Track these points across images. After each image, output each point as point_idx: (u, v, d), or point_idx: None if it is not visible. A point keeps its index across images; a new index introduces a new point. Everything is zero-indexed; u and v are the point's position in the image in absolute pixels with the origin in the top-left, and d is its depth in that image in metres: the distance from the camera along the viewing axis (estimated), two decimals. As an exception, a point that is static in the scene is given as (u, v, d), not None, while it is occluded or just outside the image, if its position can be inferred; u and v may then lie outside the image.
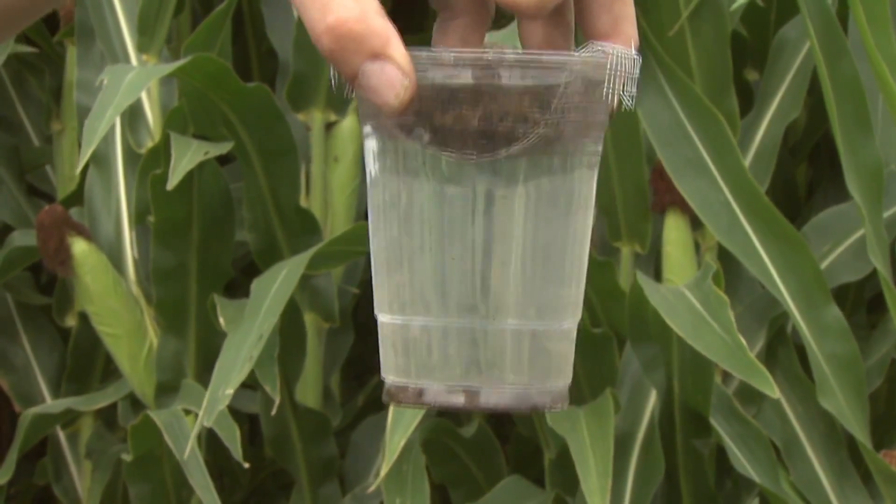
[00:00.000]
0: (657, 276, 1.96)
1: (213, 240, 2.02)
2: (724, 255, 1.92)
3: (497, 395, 0.56)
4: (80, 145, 2.15)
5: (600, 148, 0.57)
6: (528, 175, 0.56)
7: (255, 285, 1.83)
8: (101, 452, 2.15)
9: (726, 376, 1.92)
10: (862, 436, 1.77)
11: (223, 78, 1.88)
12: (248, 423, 2.20)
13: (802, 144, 2.18)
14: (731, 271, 1.93)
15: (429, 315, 0.56)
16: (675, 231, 1.93)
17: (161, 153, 1.94)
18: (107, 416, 2.18)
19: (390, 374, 0.57)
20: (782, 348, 1.93)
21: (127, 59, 2.08)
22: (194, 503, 2.06)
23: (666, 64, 1.84)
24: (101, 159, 2.10)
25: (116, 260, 2.09)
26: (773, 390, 1.66)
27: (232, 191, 2.03)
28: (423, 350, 0.56)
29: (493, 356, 0.56)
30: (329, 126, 2.09)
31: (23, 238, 2.16)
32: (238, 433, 1.78)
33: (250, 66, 2.36)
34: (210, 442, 2.02)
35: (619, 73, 0.56)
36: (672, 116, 1.85)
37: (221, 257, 2.03)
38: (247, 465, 1.82)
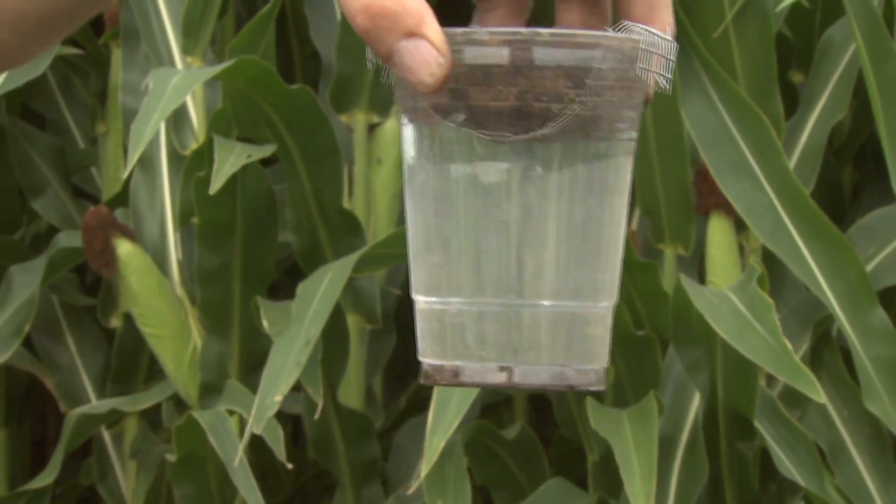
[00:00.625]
0: (700, 278, 1.96)
1: (256, 241, 2.02)
2: (768, 258, 1.91)
3: (533, 374, 0.56)
4: (124, 147, 2.17)
5: (636, 135, 0.57)
6: (563, 157, 0.56)
7: (301, 289, 1.84)
8: (146, 453, 2.16)
9: (771, 379, 1.91)
10: (908, 439, 1.76)
11: (267, 80, 1.89)
12: (292, 424, 2.20)
13: (847, 146, 2.16)
14: (775, 274, 1.92)
15: (465, 296, 0.56)
16: (718, 233, 1.93)
17: (205, 155, 1.95)
18: (151, 417, 2.19)
19: (427, 355, 0.57)
20: (827, 351, 1.92)
21: (171, 62, 2.09)
22: (238, 503, 2.07)
23: (710, 65, 1.83)
24: (145, 161, 2.11)
25: (161, 261, 2.10)
26: (819, 394, 1.65)
27: (275, 192, 2.04)
28: (459, 331, 0.57)
29: (529, 337, 0.56)
30: (372, 128, 2.10)
31: (68, 239, 2.17)
32: (282, 435, 1.79)
33: (293, 68, 2.36)
34: (254, 443, 2.02)
35: (654, 52, 0.56)
36: (716, 118, 1.84)
37: (265, 258, 2.03)
38: (290, 466, 1.83)
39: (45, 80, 2.38)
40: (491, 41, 0.55)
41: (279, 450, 1.77)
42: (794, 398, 1.88)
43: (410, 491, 1.91)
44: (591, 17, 0.58)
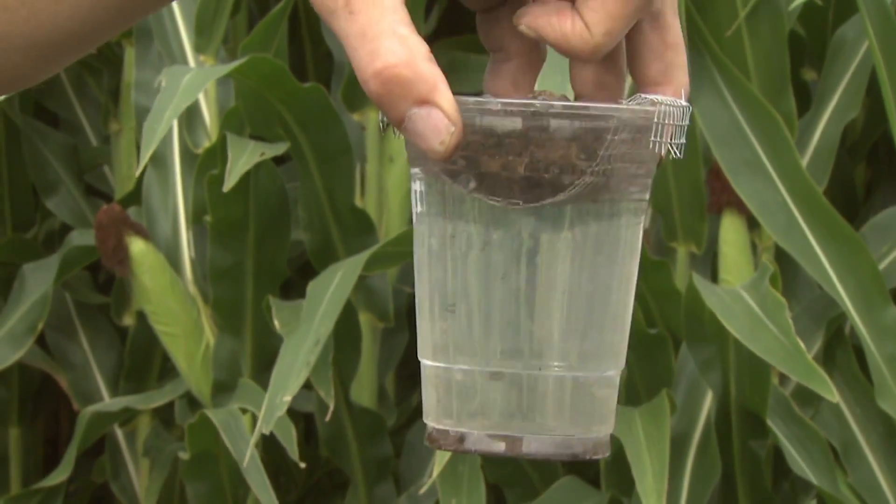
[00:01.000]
0: (713, 276, 1.96)
1: (269, 239, 2.03)
2: (781, 256, 1.91)
3: (538, 442, 0.56)
4: (137, 145, 2.17)
5: (647, 196, 0.57)
6: (573, 221, 0.56)
7: (311, 288, 1.84)
8: (159, 451, 2.16)
9: (783, 377, 1.91)
10: (921, 438, 1.76)
11: (279, 78, 1.89)
12: (304, 422, 2.21)
13: (860, 144, 2.16)
14: (788, 272, 1.92)
15: (472, 360, 0.56)
16: (731, 231, 1.92)
17: (218, 153, 1.95)
18: (164, 415, 2.20)
19: (431, 418, 0.57)
20: (840, 349, 1.92)
21: (184, 60, 2.09)
22: (251, 501, 2.07)
23: (723, 64, 1.83)
24: (158, 159, 2.11)
25: (173, 259, 2.10)
26: (833, 394, 1.65)
27: (288, 190, 2.04)
28: (465, 395, 0.56)
29: (536, 402, 0.56)
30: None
31: (81, 237, 2.18)
32: (294, 433, 1.79)
33: (306, 66, 2.36)
34: (266, 441, 2.02)
35: (667, 123, 0.56)
36: (729, 116, 1.84)
37: (277, 257, 2.04)
38: (303, 465, 1.83)
39: (58, 78, 2.39)
40: (503, 111, 0.55)
41: (292, 449, 1.77)
42: (806, 397, 1.88)
43: (423, 490, 1.91)
44: (605, 75, 0.58)
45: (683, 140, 0.57)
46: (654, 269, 1.87)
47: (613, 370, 0.57)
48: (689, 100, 0.57)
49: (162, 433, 2.19)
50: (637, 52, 0.58)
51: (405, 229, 2.01)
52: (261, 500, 1.82)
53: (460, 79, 2.13)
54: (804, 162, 1.93)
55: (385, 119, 0.55)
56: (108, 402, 2.17)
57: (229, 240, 2.01)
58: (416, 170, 0.57)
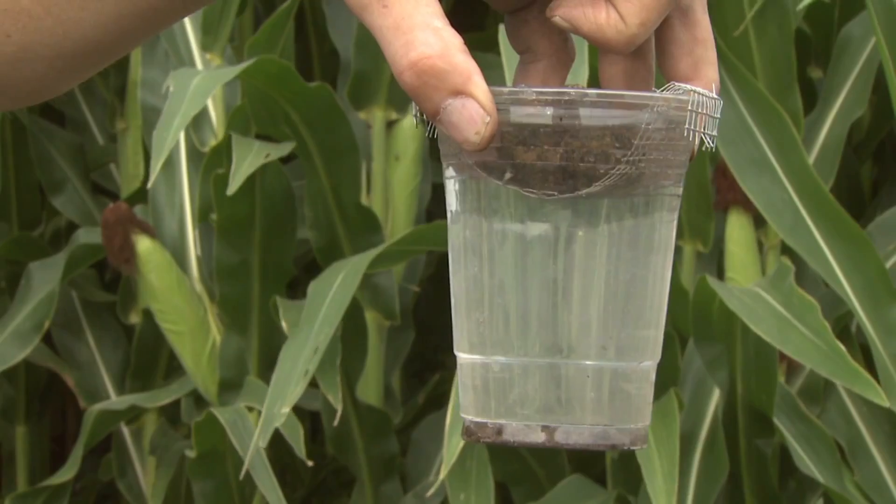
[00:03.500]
0: (719, 274, 1.95)
1: (275, 238, 2.03)
2: (787, 254, 1.91)
3: (576, 433, 0.56)
4: (144, 144, 2.17)
5: (681, 190, 0.57)
6: (609, 215, 0.56)
7: (313, 288, 1.83)
8: (165, 449, 2.16)
9: (790, 375, 1.91)
10: (928, 436, 1.75)
11: (286, 78, 1.89)
12: (310, 420, 2.21)
13: (867, 143, 2.16)
14: (794, 270, 1.92)
15: (509, 354, 0.56)
16: (738, 229, 1.92)
17: (224, 152, 1.95)
18: (170, 413, 2.20)
19: (469, 412, 0.57)
20: (847, 347, 1.92)
21: (191, 58, 2.09)
22: (257, 500, 2.07)
23: (730, 62, 1.83)
24: (165, 158, 2.11)
25: (180, 257, 2.10)
26: (882, 398, 1.64)
27: (294, 189, 2.04)
28: (502, 388, 0.56)
29: (572, 395, 0.56)
30: (390, 124, 2.10)
31: (88, 236, 2.18)
32: (301, 432, 1.79)
33: (312, 65, 2.36)
34: (272, 439, 2.03)
35: (700, 113, 0.56)
36: (736, 114, 1.84)
37: (283, 255, 2.04)
38: (310, 463, 1.83)
39: (63, 76, 2.38)
40: (538, 101, 0.55)
41: (299, 447, 1.77)
42: (813, 395, 1.88)
43: (430, 493, 1.91)
44: (635, 70, 0.57)
45: (716, 132, 0.57)
46: (660, 268, 1.87)
47: (650, 361, 0.57)
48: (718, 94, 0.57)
49: (168, 431, 2.19)
50: (666, 47, 0.58)
51: (412, 228, 2.00)
52: (268, 499, 1.82)
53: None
54: (811, 160, 1.93)
55: (419, 112, 0.55)
56: (115, 400, 2.17)
57: (235, 238, 2.01)
58: (449, 167, 0.57)
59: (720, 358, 1.84)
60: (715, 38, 0.59)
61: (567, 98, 0.55)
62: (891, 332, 1.78)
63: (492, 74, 2.00)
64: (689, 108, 0.56)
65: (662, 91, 0.56)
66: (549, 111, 0.55)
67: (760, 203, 1.83)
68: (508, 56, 1.71)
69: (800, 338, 1.69)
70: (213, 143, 2.06)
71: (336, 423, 1.84)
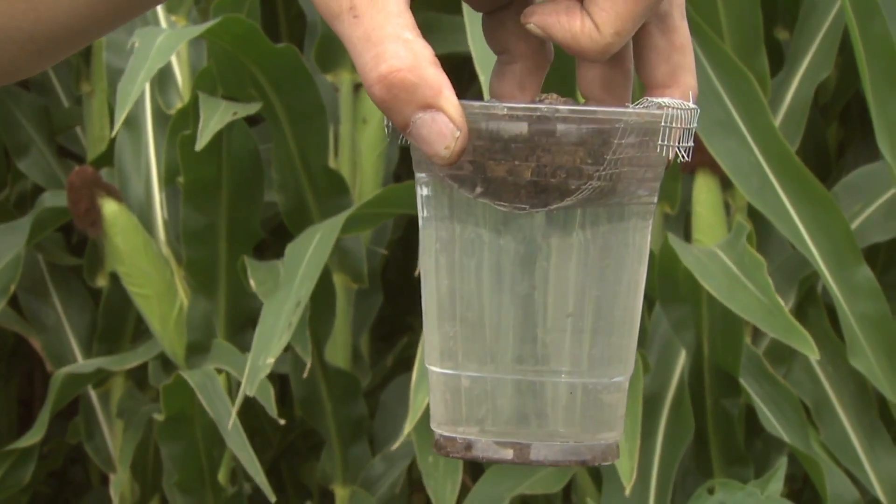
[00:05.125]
0: (686, 236, 1.96)
1: (242, 200, 2.02)
2: (754, 216, 1.92)
3: (547, 449, 0.55)
4: (109, 106, 2.16)
5: (655, 199, 0.57)
6: (581, 226, 0.55)
7: (289, 250, 1.84)
8: (133, 412, 2.16)
9: (756, 336, 1.92)
10: (892, 395, 1.77)
11: (252, 39, 1.88)
12: (279, 384, 2.21)
13: (833, 104, 2.16)
14: (761, 231, 1.93)
15: (480, 366, 0.56)
16: (704, 192, 1.93)
17: (190, 114, 1.95)
18: (138, 376, 2.20)
19: (439, 425, 0.57)
20: (812, 308, 1.93)
21: (156, 20, 2.08)
22: (226, 462, 2.08)
23: (696, 24, 1.83)
24: (130, 120, 2.10)
25: (146, 220, 2.09)
26: (814, 351, 1.66)
27: (261, 152, 2.03)
28: (473, 401, 0.56)
29: (544, 408, 0.56)
30: (358, 87, 2.09)
31: (53, 199, 2.17)
32: (272, 392, 1.79)
33: (279, 26, 2.35)
34: (242, 404, 2.03)
35: (674, 127, 0.55)
36: (702, 76, 1.84)
37: (251, 218, 2.03)
38: (282, 422, 1.83)
39: (28, 39, 2.37)
40: (509, 116, 0.54)
41: (271, 408, 1.77)
42: (779, 355, 1.89)
43: (395, 446, 1.91)
44: (613, 76, 0.57)
45: (691, 143, 0.56)
46: (627, 229, 1.87)
47: (622, 376, 0.57)
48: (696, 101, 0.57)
49: (136, 394, 2.19)
50: (644, 53, 0.57)
51: (380, 191, 2.00)
52: (241, 461, 1.82)
53: (432, 39, 2.13)
54: (777, 121, 1.94)
55: (390, 124, 0.55)
56: (82, 363, 2.17)
57: (202, 201, 2.01)
58: (421, 174, 0.56)
59: (686, 319, 1.85)
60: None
61: (539, 114, 0.54)
62: (856, 293, 1.79)
63: (455, 37, 2.00)
64: (663, 123, 0.55)
65: (636, 106, 0.56)
66: (521, 126, 0.54)
67: (727, 165, 1.83)
68: (479, 53, 1.69)
69: (746, 295, 1.70)
70: (178, 105, 2.05)
71: (305, 375, 1.85)
